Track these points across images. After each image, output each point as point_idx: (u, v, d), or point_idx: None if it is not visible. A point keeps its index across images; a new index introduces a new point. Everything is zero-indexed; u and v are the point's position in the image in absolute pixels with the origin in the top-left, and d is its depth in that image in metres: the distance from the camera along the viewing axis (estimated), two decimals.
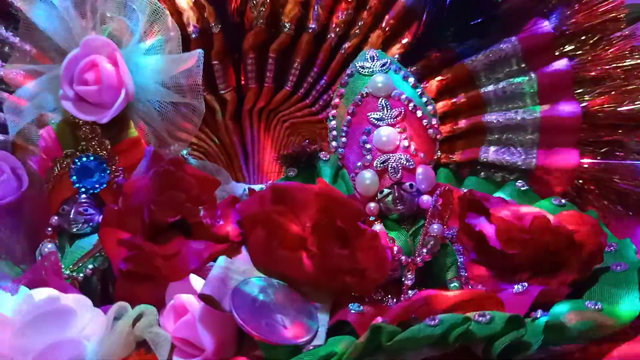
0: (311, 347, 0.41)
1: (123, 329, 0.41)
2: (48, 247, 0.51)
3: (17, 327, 0.37)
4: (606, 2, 0.60)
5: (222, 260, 0.45)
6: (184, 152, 0.58)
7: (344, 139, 0.54)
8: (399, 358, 0.39)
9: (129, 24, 0.53)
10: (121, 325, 0.41)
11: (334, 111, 0.55)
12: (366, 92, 0.54)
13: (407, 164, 0.51)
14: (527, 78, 0.60)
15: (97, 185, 0.52)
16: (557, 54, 0.60)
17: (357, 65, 0.55)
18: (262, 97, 0.63)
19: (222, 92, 0.62)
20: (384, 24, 0.61)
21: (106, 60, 0.52)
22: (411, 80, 0.55)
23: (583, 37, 0.61)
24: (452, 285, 0.48)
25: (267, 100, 0.63)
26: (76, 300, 0.41)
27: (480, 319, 0.39)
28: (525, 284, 0.45)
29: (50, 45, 0.56)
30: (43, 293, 0.40)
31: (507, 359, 0.39)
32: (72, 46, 0.54)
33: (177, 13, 0.60)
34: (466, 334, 0.39)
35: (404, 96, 0.54)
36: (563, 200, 0.56)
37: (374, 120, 0.53)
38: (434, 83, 0.60)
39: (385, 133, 0.52)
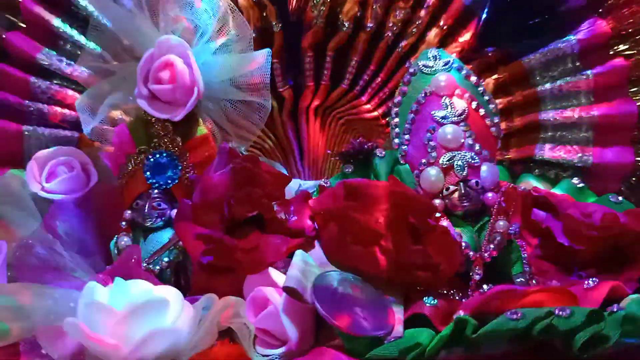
0: (392, 339, 0.43)
1: (212, 319, 0.42)
2: (124, 240, 0.53)
3: (119, 317, 0.39)
4: None
5: (299, 254, 0.46)
6: (242, 148, 0.60)
7: (407, 137, 0.55)
8: (477, 350, 0.41)
9: (199, 24, 0.55)
10: (210, 316, 0.42)
11: (397, 109, 0.56)
12: (430, 91, 0.55)
13: (473, 161, 0.53)
14: (583, 77, 0.61)
15: (169, 181, 0.54)
16: (611, 52, 0.61)
17: (419, 64, 0.56)
18: (319, 95, 0.64)
19: (280, 89, 0.64)
20: (441, 23, 0.62)
21: (180, 59, 0.53)
22: (473, 78, 0.56)
23: (638, 37, 0.62)
24: (518, 280, 0.50)
25: (323, 97, 0.64)
26: (167, 292, 0.43)
27: (562, 313, 0.41)
28: (596, 279, 0.46)
29: (118, 45, 0.58)
30: (137, 284, 0.42)
31: (587, 352, 0.40)
32: (144, 46, 0.55)
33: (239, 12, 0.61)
34: (549, 327, 0.40)
35: (467, 94, 0.55)
36: (620, 198, 0.56)
37: (438, 118, 0.54)
38: (490, 81, 0.62)
39: (450, 131, 0.53)
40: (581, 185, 0.59)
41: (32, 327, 0.41)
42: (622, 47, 0.62)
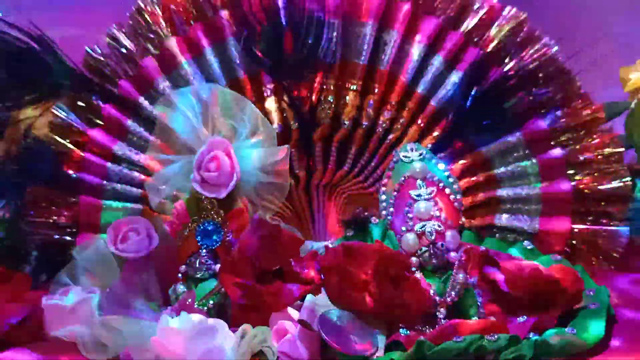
0: (375, 357, 0.59)
1: (247, 343, 0.59)
2: (180, 287, 0.69)
3: (187, 337, 0.56)
4: (588, 105, 0.79)
5: (309, 297, 0.63)
6: (267, 216, 0.78)
7: (391, 209, 0.71)
8: None
9: (237, 128, 0.73)
10: (246, 341, 0.59)
11: (384, 188, 0.72)
12: (408, 175, 0.71)
13: (439, 229, 0.68)
14: (529, 162, 0.76)
15: (214, 243, 0.70)
16: (553, 143, 0.78)
17: (400, 154, 0.73)
18: (327, 175, 0.80)
19: (296, 171, 0.80)
20: (419, 121, 0.78)
21: (223, 154, 0.71)
22: (441, 165, 0.73)
23: (573, 131, 0.78)
24: (473, 319, 0.65)
25: (330, 177, 0.80)
26: (216, 322, 0.60)
27: (490, 338, 0.57)
28: (525, 316, 0.62)
29: (177, 141, 0.74)
30: (196, 316, 0.59)
31: None
32: (197, 143, 0.72)
33: (266, 114, 0.78)
34: (480, 348, 0.56)
35: (435, 178, 0.71)
36: (559, 257, 0.71)
37: (414, 196, 0.70)
38: (458, 166, 0.77)
39: (423, 206, 0.69)
40: (531, 247, 0.73)
41: (126, 345, 0.59)
42: (562, 138, 0.78)
